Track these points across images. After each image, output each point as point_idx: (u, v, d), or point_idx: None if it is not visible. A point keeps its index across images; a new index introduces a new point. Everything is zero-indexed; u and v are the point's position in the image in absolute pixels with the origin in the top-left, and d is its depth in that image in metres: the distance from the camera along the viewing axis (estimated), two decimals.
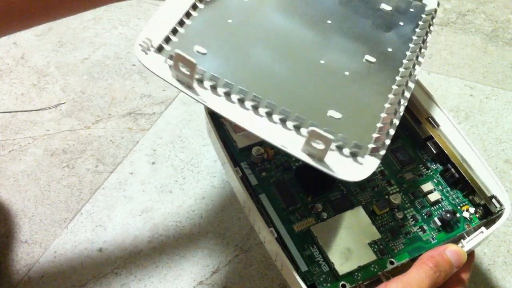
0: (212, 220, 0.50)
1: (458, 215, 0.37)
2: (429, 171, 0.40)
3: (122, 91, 0.63)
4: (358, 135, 0.29)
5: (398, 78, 0.33)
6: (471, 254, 0.36)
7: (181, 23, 0.32)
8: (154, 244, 0.48)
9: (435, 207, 0.38)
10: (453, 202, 0.38)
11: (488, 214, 0.37)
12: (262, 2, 0.35)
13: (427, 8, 0.39)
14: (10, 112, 0.59)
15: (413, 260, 0.34)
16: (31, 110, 0.60)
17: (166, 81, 0.29)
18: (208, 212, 0.50)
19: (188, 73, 0.28)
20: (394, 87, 0.32)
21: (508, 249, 0.48)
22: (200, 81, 0.29)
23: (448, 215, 0.36)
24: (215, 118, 0.40)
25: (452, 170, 0.39)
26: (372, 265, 0.34)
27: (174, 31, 0.32)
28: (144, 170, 0.54)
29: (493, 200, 0.37)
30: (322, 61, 0.33)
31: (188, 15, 0.33)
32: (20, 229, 0.48)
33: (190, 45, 0.31)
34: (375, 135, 0.29)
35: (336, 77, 0.32)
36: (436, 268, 0.32)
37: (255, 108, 0.29)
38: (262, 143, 0.39)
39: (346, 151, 0.28)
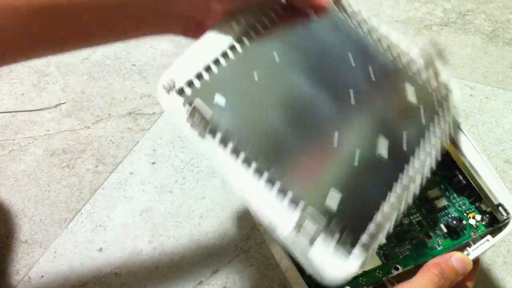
0: (212, 220, 0.50)
1: (464, 222, 0.37)
2: (436, 177, 0.40)
3: (122, 91, 0.63)
4: (352, 224, 0.28)
5: (409, 173, 0.32)
6: (476, 261, 0.36)
7: (207, 69, 0.32)
8: (154, 244, 0.48)
9: (441, 213, 0.38)
10: (460, 208, 0.38)
11: (495, 222, 0.37)
12: (292, 64, 0.34)
13: (451, 102, 0.37)
14: (10, 112, 0.59)
15: (418, 267, 0.34)
16: (31, 110, 0.60)
17: (179, 128, 0.30)
18: (208, 212, 0.50)
19: (201, 123, 0.29)
20: (402, 183, 0.32)
21: (508, 249, 0.48)
22: (213, 132, 0.30)
23: (455, 222, 0.36)
24: None
25: (459, 176, 0.38)
26: (377, 270, 0.34)
27: (199, 76, 0.32)
28: (144, 170, 0.54)
29: (500, 208, 0.36)
30: (334, 142, 0.31)
31: (216, 62, 0.33)
32: (20, 229, 0.48)
33: (211, 94, 0.31)
34: (371, 227, 0.29)
35: (345, 162, 0.31)
36: (441, 275, 0.32)
37: (259, 172, 0.29)
38: None
39: (334, 239, 0.28)
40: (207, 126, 0.29)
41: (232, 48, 0.34)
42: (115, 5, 0.31)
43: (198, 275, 0.45)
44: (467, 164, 0.38)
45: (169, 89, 0.31)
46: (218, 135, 0.30)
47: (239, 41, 0.34)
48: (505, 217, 0.36)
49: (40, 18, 0.29)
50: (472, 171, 0.38)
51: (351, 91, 0.34)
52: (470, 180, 0.38)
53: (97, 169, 0.54)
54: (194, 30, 0.35)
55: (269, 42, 0.35)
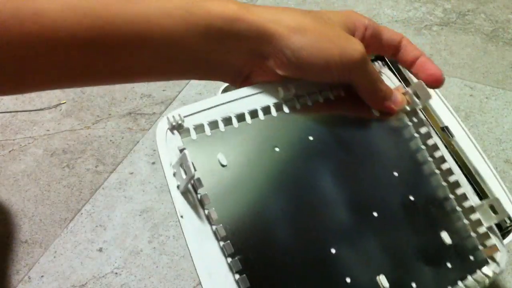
0: None
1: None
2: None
3: (122, 91, 0.63)
4: None
5: None
6: None
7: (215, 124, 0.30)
8: (154, 244, 0.48)
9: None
10: None
11: (499, 229, 0.37)
12: (324, 154, 0.31)
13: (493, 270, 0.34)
14: (10, 112, 0.59)
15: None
16: (31, 110, 0.60)
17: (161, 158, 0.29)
18: None
19: (184, 179, 0.26)
20: None
21: (508, 249, 0.48)
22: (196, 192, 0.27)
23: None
24: None
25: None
26: None
27: (214, 125, 0.30)
28: (144, 170, 0.54)
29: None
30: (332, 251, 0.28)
31: (240, 118, 0.30)
32: (20, 229, 0.48)
33: (215, 151, 0.29)
34: None
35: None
36: None
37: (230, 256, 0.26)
38: None
39: None
40: (187, 185, 0.26)
41: (269, 108, 0.31)
42: (164, 50, 0.28)
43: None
44: (472, 169, 0.38)
45: (173, 127, 0.29)
46: (203, 202, 0.27)
47: (278, 107, 0.31)
48: (508, 224, 0.36)
49: (83, 52, 0.27)
50: (477, 176, 0.38)
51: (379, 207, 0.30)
52: (475, 186, 0.38)
53: (97, 169, 0.54)
54: (242, 81, 0.32)
55: (311, 121, 0.31)
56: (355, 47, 0.30)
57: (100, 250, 0.47)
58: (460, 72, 0.68)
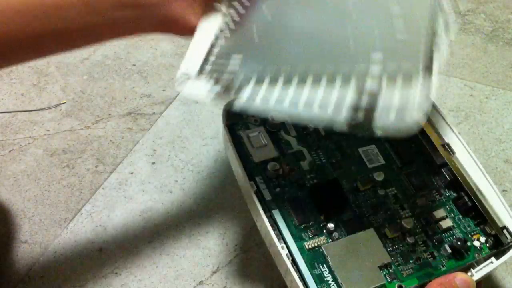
0: (212, 220, 0.50)
1: (468, 243, 0.37)
2: (442, 197, 0.40)
3: (122, 91, 0.63)
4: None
5: None
6: (479, 283, 0.36)
7: (212, 46, 0.33)
8: (154, 244, 0.48)
9: (446, 234, 0.38)
10: (464, 230, 0.38)
11: (499, 244, 0.37)
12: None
13: None
14: (10, 112, 0.59)
15: (422, 286, 0.34)
16: (31, 110, 0.60)
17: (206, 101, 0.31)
18: (208, 212, 0.50)
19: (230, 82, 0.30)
20: None
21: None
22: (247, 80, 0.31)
23: (459, 243, 0.36)
24: (232, 131, 0.40)
25: (465, 198, 0.39)
26: None
27: (209, 54, 0.33)
28: (144, 170, 0.54)
29: (505, 231, 0.37)
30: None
31: (217, 38, 0.34)
32: (20, 229, 0.48)
33: (227, 58, 0.32)
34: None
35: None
36: None
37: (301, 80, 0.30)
38: (279, 158, 0.39)
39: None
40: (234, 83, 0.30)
41: (224, 25, 0.34)
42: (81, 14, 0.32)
43: (198, 275, 0.45)
44: (473, 186, 0.39)
45: (187, 78, 0.32)
46: (254, 78, 0.31)
47: (226, 17, 0.34)
48: (509, 240, 0.37)
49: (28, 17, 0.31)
50: (478, 193, 0.38)
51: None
52: (476, 202, 0.38)
53: (97, 169, 0.54)
54: (169, 27, 0.35)
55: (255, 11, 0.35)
56: None
57: (100, 250, 0.47)
58: (460, 72, 0.68)
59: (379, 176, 0.39)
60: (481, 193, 0.38)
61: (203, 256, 0.47)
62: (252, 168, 0.39)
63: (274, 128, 0.41)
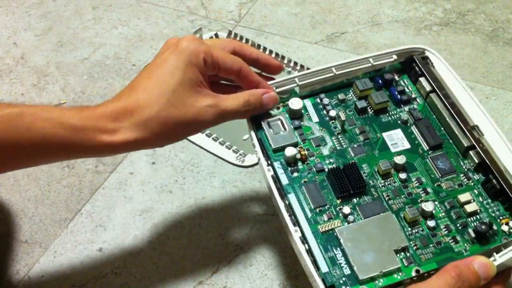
0: (212, 220, 0.50)
1: (495, 227, 0.36)
2: (470, 181, 0.38)
3: None
4: None
5: None
6: (507, 270, 0.35)
7: None
8: (154, 244, 0.48)
9: (471, 218, 0.36)
10: (493, 214, 0.37)
11: None
12: None
13: None
14: None
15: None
16: None
17: None
18: (208, 212, 0.50)
19: None
20: None
21: None
22: None
23: (483, 226, 0.35)
24: (254, 118, 0.40)
25: (494, 181, 0.37)
26: (396, 272, 0.34)
27: None
28: (144, 170, 0.54)
29: None
30: None
31: None
32: (20, 229, 0.48)
33: None
34: None
35: None
36: (458, 277, 0.31)
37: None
38: (297, 144, 0.39)
39: None
40: None
41: None
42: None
43: (198, 275, 0.45)
44: (502, 169, 0.37)
45: None
46: None
47: None
48: None
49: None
50: (507, 175, 0.37)
51: None
52: (505, 185, 0.37)
53: (97, 169, 0.54)
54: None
55: None
56: (205, 100, 0.36)
57: (100, 250, 0.47)
58: (460, 72, 0.68)
59: (401, 160, 0.38)
60: (510, 175, 0.36)
61: (203, 256, 0.47)
62: (271, 154, 0.39)
63: (296, 115, 0.41)
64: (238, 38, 0.68)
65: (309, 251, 0.34)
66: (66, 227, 0.49)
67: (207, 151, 0.56)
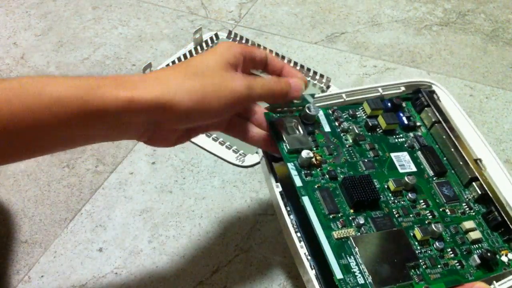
0: (212, 220, 0.50)
1: (497, 256, 0.37)
2: (472, 211, 0.40)
3: None
4: None
5: None
6: None
7: None
8: (154, 244, 0.48)
9: (475, 246, 0.38)
10: (493, 245, 0.38)
11: None
12: None
13: None
14: None
15: None
16: None
17: None
18: (208, 212, 0.50)
19: None
20: None
21: None
22: None
23: (489, 254, 0.36)
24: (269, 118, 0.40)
25: (495, 213, 0.39)
26: None
27: None
28: (144, 170, 0.54)
29: None
30: None
31: None
32: (20, 229, 0.48)
33: None
34: None
35: None
36: None
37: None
38: (311, 149, 0.39)
39: None
40: None
41: None
42: (64, 134, 0.32)
43: (198, 275, 0.45)
44: (503, 202, 0.39)
45: None
46: None
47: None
48: None
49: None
50: (508, 209, 0.38)
51: None
52: (506, 218, 0.38)
53: (97, 169, 0.54)
54: (146, 140, 0.36)
55: None
56: (236, 84, 0.34)
57: (100, 250, 0.47)
58: (460, 72, 0.68)
59: (412, 180, 0.39)
60: (510, 207, 0.38)
61: (203, 256, 0.47)
62: (286, 155, 0.39)
63: (309, 121, 0.41)
64: (238, 38, 0.68)
65: (321, 256, 0.34)
66: (66, 227, 0.49)
67: (207, 151, 0.56)
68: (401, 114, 0.44)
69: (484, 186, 0.40)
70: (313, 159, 0.38)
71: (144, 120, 0.33)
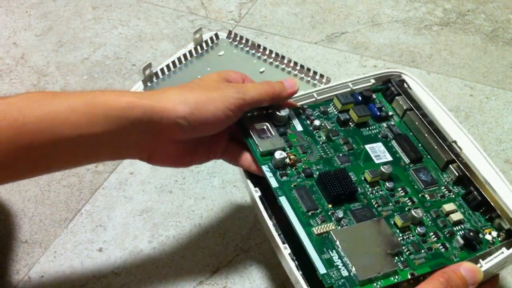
0: (212, 220, 0.50)
1: (481, 236, 0.37)
2: (451, 193, 0.40)
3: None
4: None
5: None
6: (494, 277, 0.36)
7: None
8: (154, 244, 0.48)
9: (457, 227, 0.38)
10: (475, 225, 0.38)
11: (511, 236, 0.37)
12: None
13: None
14: None
15: (434, 272, 0.34)
16: None
17: None
18: (208, 212, 0.50)
19: None
20: None
21: None
22: None
23: (471, 233, 0.36)
24: (240, 123, 0.40)
25: (475, 192, 0.39)
26: (393, 275, 0.34)
27: None
28: (144, 170, 0.54)
29: None
30: None
31: None
32: (20, 229, 0.48)
33: None
34: None
35: None
36: (446, 283, 0.32)
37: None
38: (284, 149, 0.40)
39: None
40: None
41: None
42: (73, 140, 0.33)
43: (198, 275, 0.45)
44: (482, 181, 0.39)
45: None
46: None
47: None
48: None
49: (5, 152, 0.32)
50: (488, 187, 0.38)
51: None
52: (486, 197, 0.38)
53: (97, 169, 0.54)
54: (148, 156, 0.38)
55: None
56: (229, 90, 0.37)
57: (100, 250, 0.47)
58: (460, 72, 0.68)
59: (387, 169, 0.39)
60: (491, 187, 0.38)
61: (203, 256, 0.47)
62: (259, 158, 0.39)
63: (280, 122, 0.41)
64: (238, 38, 0.68)
65: (301, 265, 0.34)
66: (66, 227, 0.49)
67: None
68: (373, 106, 0.44)
69: (462, 167, 0.40)
70: (287, 159, 0.39)
71: (143, 128, 0.35)
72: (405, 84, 0.46)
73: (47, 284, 0.45)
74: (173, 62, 0.64)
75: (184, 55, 0.65)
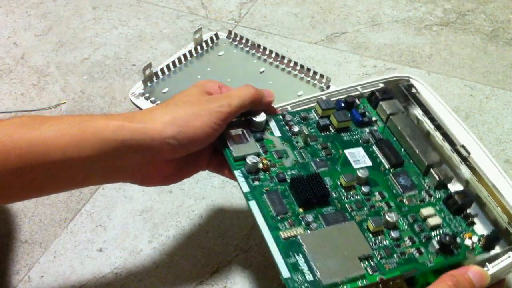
0: (212, 220, 0.50)
1: (458, 240, 0.36)
2: (432, 198, 0.39)
3: (122, 91, 0.63)
4: None
5: None
6: (500, 281, 0.36)
7: None
8: (154, 244, 0.48)
9: (435, 232, 0.37)
10: (456, 229, 0.37)
11: (494, 242, 0.37)
12: None
13: None
14: (10, 112, 0.59)
15: (407, 280, 0.34)
16: (31, 110, 0.60)
17: None
18: (208, 212, 0.50)
19: None
20: None
21: None
22: None
23: (447, 238, 0.35)
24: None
25: (455, 197, 0.38)
26: (360, 280, 0.33)
27: None
28: None
29: None
30: None
31: None
32: (20, 229, 0.48)
33: None
34: None
35: None
36: (455, 287, 0.32)
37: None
38: (259, 154, 0.40)
39: None
40: None
41: None
42: (63, 164, 0.34)
43: (198, 275, 0.45)
44: (490, 185, 0.39)
45: None
46: None
47: None
48: None
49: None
50: (496, 192, 0.38)
51: None
52: (494, 201, 0.38)
53: None
54: (141, 178, 0.39)
55: None
56: (213, 104, 0.38)
57: (100, 250, 0.47)
58: (460, 72, 0.68)
59: (364, 173, 0.39)
60: (499, 192, 0.38)
61: (203, 256, 0.47)
62: (232, 163, 0.39)
63: (258, 128, 0.41)
64: (238, 38, 0.68)
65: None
66: (66, 227, 0.49)
67: None
68: (355, 111, 0.44)
69: (470, 171, 0.40)
70: (260, 164, 0.39)
71: (134, 150, 0.35)
72: (413, 89, 0.46)
73: (47, 284, 0.45)
74: (173, 62, 0.64)
75: (184, 55, 0.65)
